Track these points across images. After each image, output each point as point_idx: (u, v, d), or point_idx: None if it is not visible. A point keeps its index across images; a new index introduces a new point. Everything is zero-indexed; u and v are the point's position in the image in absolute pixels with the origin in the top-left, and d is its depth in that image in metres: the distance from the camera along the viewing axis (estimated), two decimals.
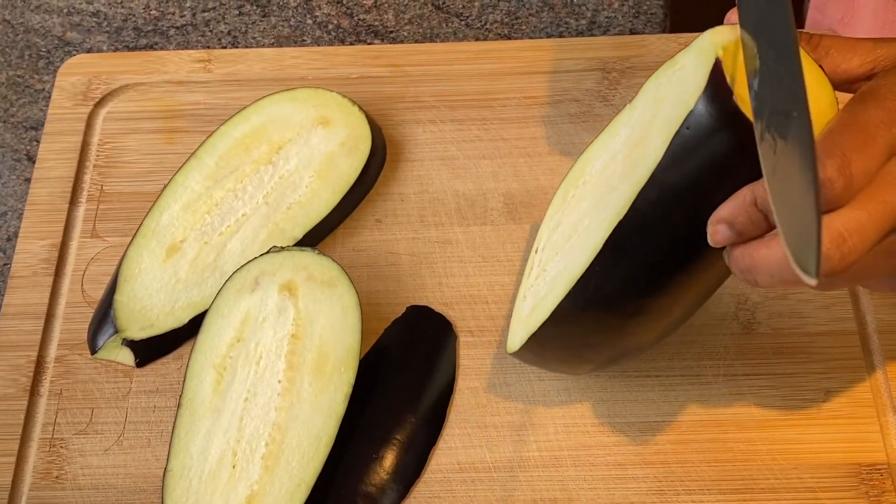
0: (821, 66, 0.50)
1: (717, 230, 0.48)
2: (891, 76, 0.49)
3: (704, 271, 0.54)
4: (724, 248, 0.49)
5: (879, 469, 0.63)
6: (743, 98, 0.47)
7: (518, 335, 0.62)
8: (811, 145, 0.42)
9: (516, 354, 0.63)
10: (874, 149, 0.45)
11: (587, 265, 0.54)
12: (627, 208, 0.52)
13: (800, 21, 0.95)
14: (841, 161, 0.44)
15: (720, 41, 0.49)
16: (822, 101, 0.49)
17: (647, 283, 0.54)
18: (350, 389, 0.63)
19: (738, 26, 0.50)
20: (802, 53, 0.49)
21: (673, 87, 0.52)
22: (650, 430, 0.65)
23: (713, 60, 0.48)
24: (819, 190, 0.41)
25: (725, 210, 0.48)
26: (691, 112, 0.49)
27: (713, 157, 0.49)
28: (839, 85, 0.52)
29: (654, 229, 0.52)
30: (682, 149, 0.49)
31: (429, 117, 0.78)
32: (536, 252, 0.64)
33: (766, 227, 0.47)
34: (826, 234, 0.43)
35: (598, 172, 0.59)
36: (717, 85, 0.48)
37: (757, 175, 0.46)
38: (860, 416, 0.65)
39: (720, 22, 0.87)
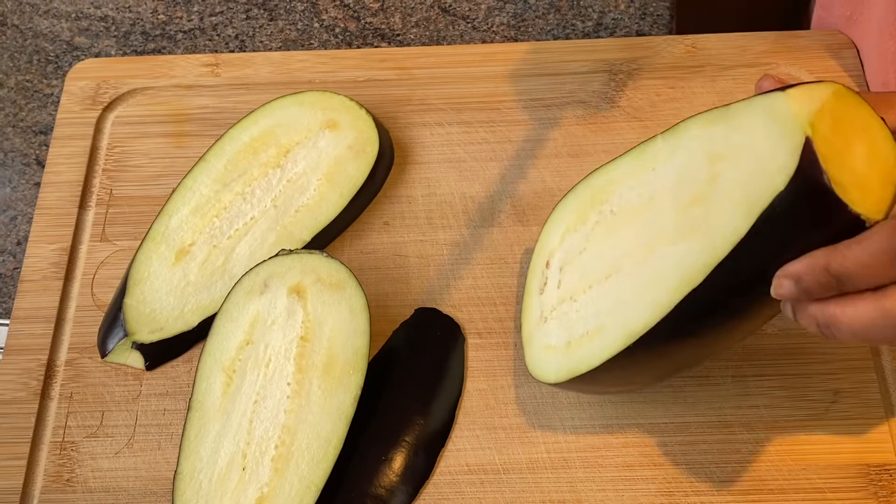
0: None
1: (782, 284, 0.49)
2: None
3: (759, 315, 0.54)
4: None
5: (889, 470, 0.63)
6: (832, 176, 0.47)
7: (551, 367, 0.61)
8: None
9: (548, 384, 0.63)
10: None
11: (652, 324, 0.54)
12: (703, 278, 0.52)
13: (805, 20, 0.95)
14: None
15: (805, 114, 0.48)
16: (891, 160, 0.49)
17: (706, 334, 0.55)
18: (359, 391, 0.63)
19: (814, 88, 0.49)
20: (867, 108, 0.49)
21: (739, 150, 0.51)
22: (659, 431, 0.65)
23: (801, 138, 0.47)
24: None
25: (796, 267, 0.48)
26: (780, 194, 0.48)
27: (802, 235, 0.48)
28: None
29: (724, 294, 0.52)
30: (768, 228, 0.49)
31: (436, 120, 0.79)
32: (548, 267, 0.64)
33: (834, 292, 0.47)
34: None
35: (635, 209, 0.58)
36: (810, 168, 0.47)
37: (821, 243, 0.47)
38: (869, 417, 0.65)
39: (726, 24, 0.87)
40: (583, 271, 0.61)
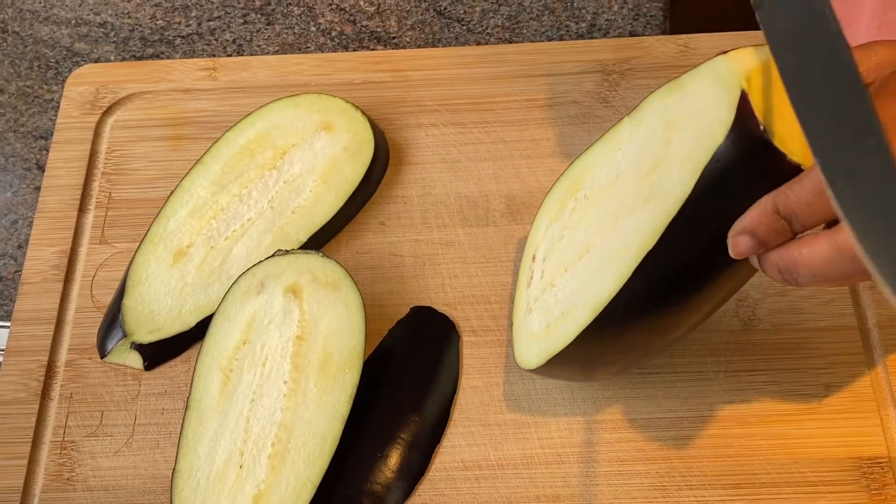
0: None
1: (738, 242, 0.49)
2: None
3: (729, 279, 0.54)
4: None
5: (880, 462, 0.63)
6: (770, 128, 0.48)
7: (532, 353, 0.62)
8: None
9: (531, 371, 0.63)
10: None
11: (615, 292, 0.55)
12: (657, 239, 0.53)
13: None
14: None
15: (741, 70, 0.49)
16: None
17: (673, 301, 0.55)
18: (354, 390, 0.64)
19: (752, 49, 0.50)
20: None
21: (688, 114, 0.52)
22: (652, 426, 0.65)
23: (738, 92, 0.49)
24: None
25: (746, 221, 0.48)
26: (719, 147, 0.49)
27: (745, 188, 0.49)
28: None
29: (682, 256, 0.53)
30: (712, 182, 0.50)
31: (431, 121, 0.79)
32: (534, 260, 0.65)
33: (790, 234, 0.47)
34: None
35: (604, 189, 0.59)
36: (746, 119, 0.48)
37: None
38: (861, 411, 0.65)
39: (719, 24, 0.88)
40: (560, 257, 0.62)
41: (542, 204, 0.66)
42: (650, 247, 0.53)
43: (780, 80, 0.47)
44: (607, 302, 0.56)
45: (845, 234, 0.44)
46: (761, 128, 0.48)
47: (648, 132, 0.56)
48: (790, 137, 0.48)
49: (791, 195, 0.46)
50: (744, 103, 0.48)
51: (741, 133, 0.48)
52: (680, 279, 0.54)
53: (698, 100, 0.51)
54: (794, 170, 0.47)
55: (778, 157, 0.47)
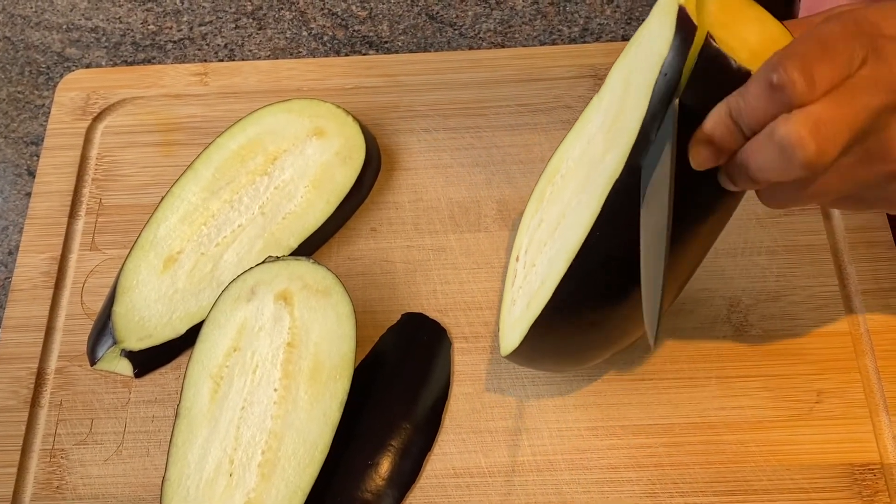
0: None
1: (698, 151, 0.50)
2: (867, 4, 0.50)
3: (705, 216, 0.54)
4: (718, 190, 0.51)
5: (872, 469, 0.63)
6: (720, 38, 0.49)
7: (515, 332, 0.61)
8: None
9: (514, 354, 0.62)
10: (834, 58, 0.46)
11: (587, 233, 0.54)
12: (622, 168, 0.53)
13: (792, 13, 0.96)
14: (801, 62, 0.46)
15: None
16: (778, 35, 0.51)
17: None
18: (345, 397, 0.63)
19: None
20: (759, 8, 0.52)
21: (642, 55, 0.53)
22: (643, 433, 0.65)
23: (676, 9, 0.50)
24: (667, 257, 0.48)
25: (704, 128, 0.49)
26: (665, 60, 0.50)
27: (697, 93, 0.50)
28: None
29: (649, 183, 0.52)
30: (664, 95, 0.50)
31: (423, 126, 0.79)
32: (518, 259, 0.65)
33: (743, 139, 0.49)
34: (801, 123, 0.45)
35: (577, 160, 0.60)
36: (685, 27, 0.49)
37: None
38: (853, 417, 0.65)
39: None
40: (540, 240, 0.61)
41: (526, 208, 0.66)
42: (616, 177, 0.53)
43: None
44: (580, 244, 0.55)
45: (781, 127, 0.46)
46: (706, 35, 0.48)
47: (610, 94, 0.57)
48: (742, 51, 0.49)
49: (740, 99, 0.48)
50: (682, 15, 0.49)
51: (683, 40, 0.49)
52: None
53: (648, 40, 0.53)
54: (745, 75, 0.48)
55: (723, 61, 0.48)
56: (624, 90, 0.55)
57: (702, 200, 0.53)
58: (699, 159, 0.50)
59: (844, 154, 0.48)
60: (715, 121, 0.49)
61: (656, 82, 0.51)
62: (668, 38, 0.50)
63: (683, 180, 0.51)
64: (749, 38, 0.51)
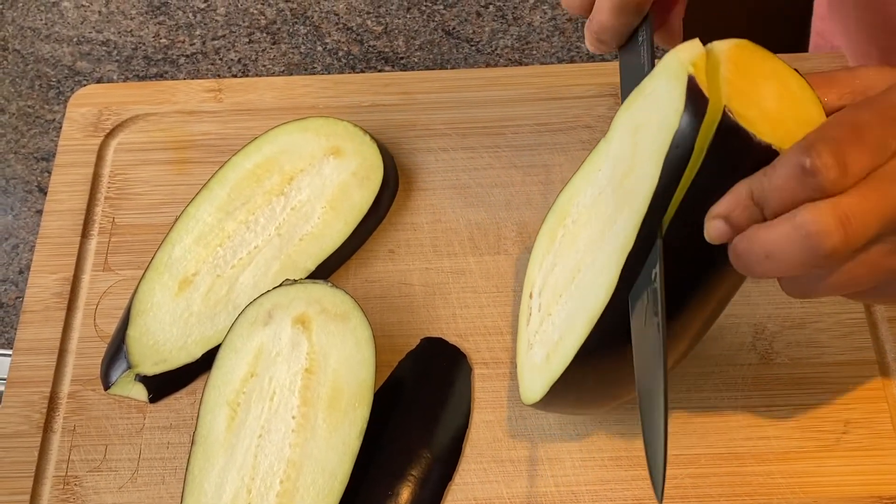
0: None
1: (713, 226, 0.49)
2: (882, 94, 0.49)
3: (719, 281, 0.54)
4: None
5: None
6: (736, 110, 0.48)
7: (536, 384, 0.61)
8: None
9: (537, 405, 0.62)
10: (867, 146, 0.45)
11: (606, 302, 0.54)
12: (634, 238, 0.52)
13: (806, 42, 0.95)
14: (835, 148, 0.44)
15: (687, 58, 0.50)
16: (815, 120, 0.49)
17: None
18: (364, 425, 0.62)
19: (696, 42, 0.51)
20: (776, 60, 0.51)
21: (650, 113, 0.52)
22: (669, 463, 0.64)
23: (685, 78, 0.49)
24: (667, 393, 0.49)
25: (722, 206, 0.48)
26: (676, 132, 0.49)
27: (714, 168, 0.49)
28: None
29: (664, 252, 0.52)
30: (676, 168, 0.50)
31: (440, 145, 0.78)
32: (532, 297, 0.64)
33: (761, 220, 0.47)
34: (830, 212, 0.44)
35: (588, 209, 0.59)
36: (697, 100, 0.48)
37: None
38: (881, 448, 0.64)
39: None
40: (555, 286, 0.61)
41: (536, 240, 0.65)
42: (629, 248, 0.52)
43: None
44: (600, 313, 0.55)
45: (806, 213, 0.45)
46: (721, 108, 0.48)
47: (619, 144, 0.56)
48: (761, 121, 0.48)
49: (765, 181, 0.46)
50: (692, 86, 0.48)
51: (694, 114, 0.48)
52: (670, 280, 0.53)
53: (656, 98, 0.52)
54: (765, 150, 0.47)
55: (744, 136, 0.47)
56: (633, 147, 0.54)
57: (703, 256, 0.52)
58: (713, 234, 0.49)
59: (873, 244, 0.46)
60: (735, 201, 0.48)
61: (667, 154, 0.50)
62: (678, 108, 0.49)
63: (692, 252, 0.50)
64: (767, 104, 0.49)
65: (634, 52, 0.59)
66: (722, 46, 0.51)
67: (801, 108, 0.50)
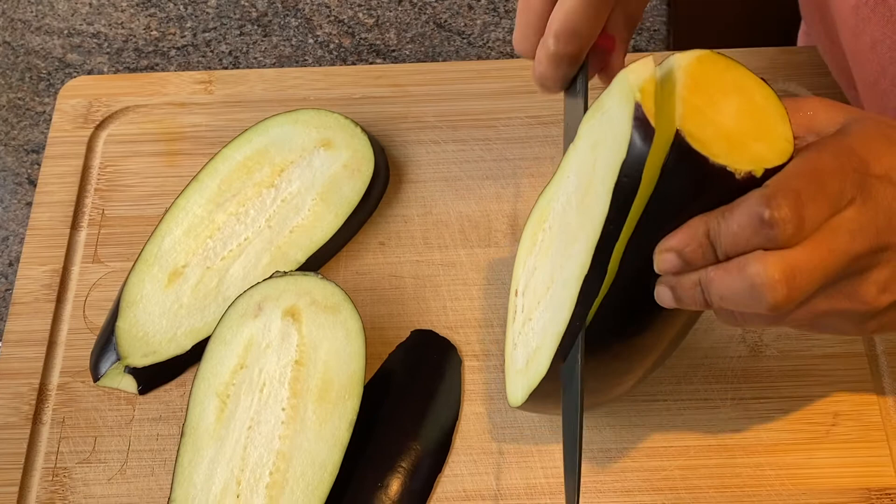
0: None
1: (665, 259, 0.48)
2: (851, 132, 0.50)
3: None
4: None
5: (889, 493, 0.62)
6: (691, 133, 0.46)
7: (518, 390, 0.61)
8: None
9: (520, 409, 0.62)
10: (826, 198, 0.46)
11: (567, 321, 0.54)
12: (588, 265, 0.52)
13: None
14: (795, 202, 0.45)
15: (636, 82, 0.48)
16: (778, 134, 0.48)
17: (625, 326, 0.54)
18: (354, 417, 0.62)
19: (649, 59, 0.50)
20: (741, 70, 0.49)
21: (605, 132, 0.52)
22: (658, 455, 0.64)
23: (633, 105, 0.47)
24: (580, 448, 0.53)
25: (676, 239, 0.48)
26: (625, 161, 0.48)
27: (668, 191, 0.48)
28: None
29: (618, 278, 0.52)
30: (625, 199, 0.49)
31: (431, 137, 0.78)
32: (517, 295, 0.64)
33: (714, 259, 0.48)
34: (778, 268, 0.45)
35: (560, 216, 0.59)
36: (642, 129, 0.47)
37: (700, 209, 0.47)
38: (869, 440, 0.64)
39: (723, 38, 0.87)
40: (535, 290, 0.61)
41: (521, 237, 0.65)
42: (585, 272, 0.52)
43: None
44: (563, 332, 0.55)
45: (756, 265, 0.45)
46: (674, 132, 0.46)
47: (581, 156, 0.56)
48: (718, 138, 0.47)
49: (723, 223, 0.47)
50: (639, 115, 0.47)
51: (641, 144, 0.47)
52: (626, 305, 0.53)
53: (609, 119, 0.51)
54: (720, 171, 0.46)
55: (697, 159, 0.46)
56: (593, 163, 0.53)
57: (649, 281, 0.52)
58: (663, 266, 0.49)
59: (815, 294, 0.48)
60: (689, 236, 0.48)
61: (616, 182, 0.48)
62: (626, 134, 0.48)
63: (652, 275, 0.50)
64: (725, 121, 0.48)
65: (576, 94, 0.60)
66: (681, 61, 0.50)
67: (764, 121, 0.48)
